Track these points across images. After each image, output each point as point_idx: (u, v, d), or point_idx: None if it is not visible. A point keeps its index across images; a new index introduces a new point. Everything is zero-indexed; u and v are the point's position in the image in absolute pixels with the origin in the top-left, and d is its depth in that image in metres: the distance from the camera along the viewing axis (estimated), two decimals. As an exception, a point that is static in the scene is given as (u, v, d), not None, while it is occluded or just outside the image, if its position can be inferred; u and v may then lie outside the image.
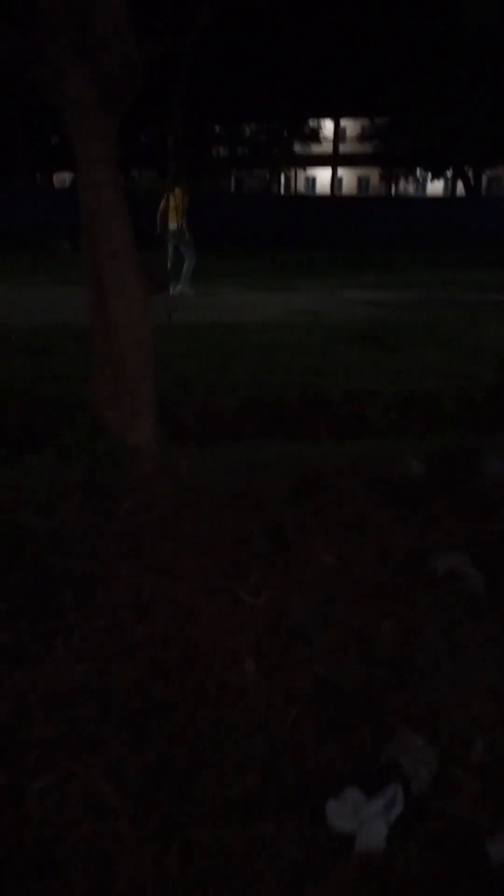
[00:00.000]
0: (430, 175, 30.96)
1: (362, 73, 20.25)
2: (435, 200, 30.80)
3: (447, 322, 8.88)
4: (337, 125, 36.42)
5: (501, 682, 2.30)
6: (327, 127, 35.32)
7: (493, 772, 1.98)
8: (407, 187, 38.05)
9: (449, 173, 30.66)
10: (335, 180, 37.73)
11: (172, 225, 11.24)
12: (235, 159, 33.36)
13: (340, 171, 38.63)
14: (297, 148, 33.19)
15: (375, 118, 30.83)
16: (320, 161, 36.86)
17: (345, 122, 37.26)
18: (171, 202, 11.05)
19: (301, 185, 41.68)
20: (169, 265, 10.25)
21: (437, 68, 15.50)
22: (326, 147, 36.19)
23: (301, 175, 40.77)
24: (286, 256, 18.24)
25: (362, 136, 35.81)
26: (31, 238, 18.36)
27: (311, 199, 32.81)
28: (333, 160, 37.09)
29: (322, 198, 34.94)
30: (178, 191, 11.34)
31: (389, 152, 30.88)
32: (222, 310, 10.33)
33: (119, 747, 2.03)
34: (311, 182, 41.66)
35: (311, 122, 32.05)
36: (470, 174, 28.83)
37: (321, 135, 33.76)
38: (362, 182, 40.53)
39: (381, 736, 2.08)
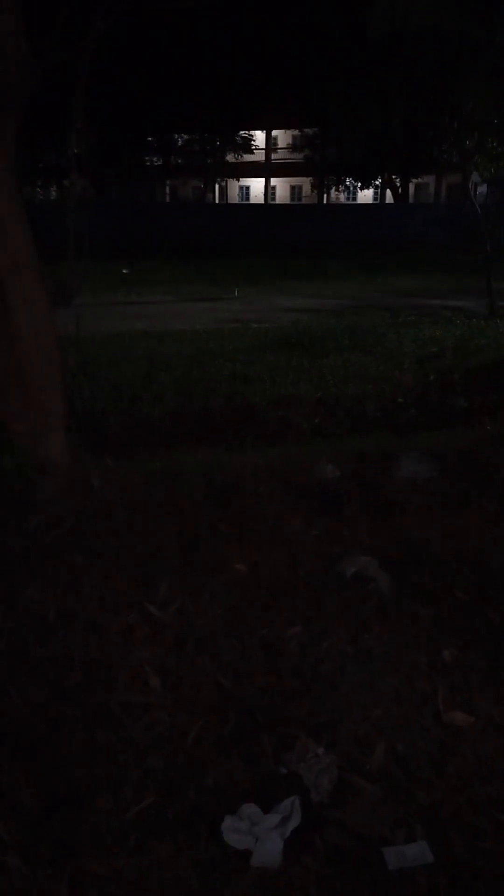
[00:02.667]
0: (359, 184, 31.51)
1: (288, 84, 20.52)
2: (365, 207, 31.43)
3: (371, 327, 9.03)
4: (268, 135, 36.73)
5: (405, 683, 2.31)
6: (259, 137, 35.56)
7: (393, 776, 1.98)
8: (338, 196, 38.66)
9: (378, 182, 31.31)
10: (268, 189, 38.05)
11: None
12: (169, 168, 33.25)
13: (273, 181, 38.98)
14: (230, 157, 33.32)
15: (305, 129, 31.30)
16: (253, 170, 37.10)
17: (276, 133, 37.62)
18: None
19: (235, 195, 41.85)
20: None
21: (355, 78, 15.81)
22: (260, 157, 36.44)
23: (235, 185, 40.95)
24: (220, 264, 18.26)
25: (293, 146, 36.27)
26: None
27: (244, 208, 32.97)
28: (266, 169, 37.39)
29: (255, 206, 35.17)
30: None
31: (319, 162, 31.40)
32: (153, 318, 10.25)
33: (12, 773, 1.95)
34: (245, 191, 41.90)
35: (243, 133, 32.22)
36: (398, 182, 29.52)
37: (253, 145, 33.95)
38: (295, 191, 40.97)
39: (283, 746, 2.06)
